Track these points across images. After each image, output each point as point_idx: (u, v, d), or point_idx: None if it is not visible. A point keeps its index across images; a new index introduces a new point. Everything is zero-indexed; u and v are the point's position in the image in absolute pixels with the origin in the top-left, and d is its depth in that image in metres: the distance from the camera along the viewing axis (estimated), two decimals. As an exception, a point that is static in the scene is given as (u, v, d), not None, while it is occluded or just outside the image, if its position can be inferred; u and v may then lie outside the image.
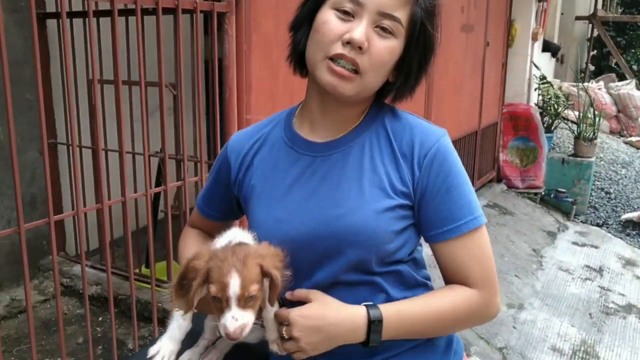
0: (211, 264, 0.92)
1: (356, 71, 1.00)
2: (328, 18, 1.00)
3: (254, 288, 0.90)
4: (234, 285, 0.89)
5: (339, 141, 1.09)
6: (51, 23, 2.61)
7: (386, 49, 1.00)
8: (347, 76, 0.99)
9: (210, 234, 1.33)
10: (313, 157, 1.10)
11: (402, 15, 0.99)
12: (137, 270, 2.58)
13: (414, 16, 1.00)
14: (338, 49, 0.98)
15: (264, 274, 0.93)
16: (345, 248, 1.04)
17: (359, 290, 1.07)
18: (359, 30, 0.97)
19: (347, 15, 0.99)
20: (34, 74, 2.61)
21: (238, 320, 0.89)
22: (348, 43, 0.97)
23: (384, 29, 0.99)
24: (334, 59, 0.99)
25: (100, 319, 2.51)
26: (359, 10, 0.98)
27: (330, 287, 1.06)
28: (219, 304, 0.91)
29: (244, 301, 0.90)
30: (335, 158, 1.09)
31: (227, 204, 1.25)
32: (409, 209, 1.07)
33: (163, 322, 2.30)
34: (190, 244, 1.27)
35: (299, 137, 1.12)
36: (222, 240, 1.03)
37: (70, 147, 2.68)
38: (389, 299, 1.07)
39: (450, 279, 1.09)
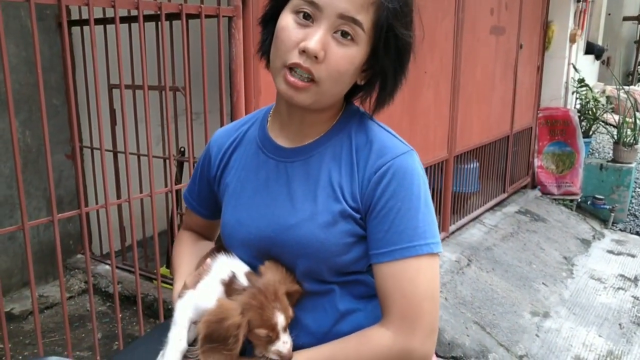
0: (250, 315, 0.98)
1: (312, 79, 0.95)
2: (286, 24, 0.96)
3: (290, 312, 1.02)
4: (281, 322, 0.99)
5: (304, 149, 1.08)
6: (75, 30, 2.74)
7: (344, 58, 0.95)
8: (301, 87, 0.96)
9: (205, 235, 1.35)
10: (278, 162, 1.09)
11: (364, 19, 0.94)
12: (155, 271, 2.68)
13: (378, 20, 0.95)
14: (294, 57, 0.94)
15: (290, 295, 1.04)
16: (296, 258, 1.04)
17: (316, 298, 1.07)
18: (315, 39, 0.92)
19: (306, 19, 0.94)
20: (60, 80, 2.79)
21: (287, 343, 1.00)
22: (304, 52, 0.93)
23: (343, 34, 0.94)
24: (291, 67, 0.95)
25: (119, 316, 2.63)
26: (318, 14, 0.93)
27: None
28: (268, 338, 1.00)
29: (286, 326, 1.01)
30: (297, 166, 1.07)
31: (213, 200, 1.25)
32: (363, 223, 1.04)
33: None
34: (183, 252, 1.28)
35: (269, 139, 1.11)
36: (218, 271, 1.08)
37: (93, 150, 2.82)
38: (341, 312, 1.07)
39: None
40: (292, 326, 1.07)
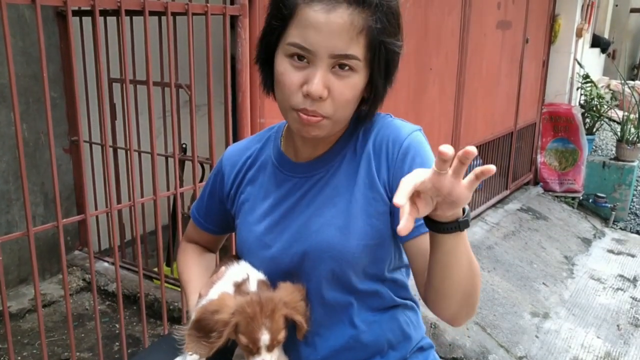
0: (239, 319, 0.97)
1: (323, 115, 0.98)
2: (284, 69, 0.97)
3: (281, 336, 0.99)
4: (265, 339, 0.97)
5: (321, 161, 1.10)
6: (73, 20, 2.66)
7: (347, 88, 0.97)
8: (314, 122, 0.98)
9: (209, 248, 1.37)
10: (298, 179, 1.11)
11: (357, 49, 0.95)
12: (155, 269, 2.65)
13: (371, 43, 0.96)
14: (300, 101, 0.97)
15: (290, 319, 1.02)
16: (319, 264, 1.05)
17: (334, 313, 1.09)
18: (316, 82, 0.94)
19: (301, 60, 0.96)
20: (57, 72, 2.72)
21: None
22: (308, 95, 0.95)
23: (341, 66, 0.96)
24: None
25: (122, 316, 2.59)
26: (312, 57, 0.95)
27: (316, 307, 1.08)
28: (249, 349, 0.99)
29: (272, 346, 0.99)
30: (316, 178, 1.10)
31: (223, 217, 1.26)
32: (386, 217, 1.06)
33: (174, 320, 2.40)
34: (191, 265, 1.29)
35: (285, 158, 1.14)
36: (233, 274, 1.08)
37: (92, 145, 2.77)
38: (358, 325, 1.10)
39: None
40: (310, 340, 1.10)
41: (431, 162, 0.99)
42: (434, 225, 0.88)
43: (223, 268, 1.13)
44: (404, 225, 0.77)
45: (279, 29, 0.98)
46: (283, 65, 0.98)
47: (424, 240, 0.99)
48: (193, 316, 1.01)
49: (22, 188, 1.70)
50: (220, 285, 1.08)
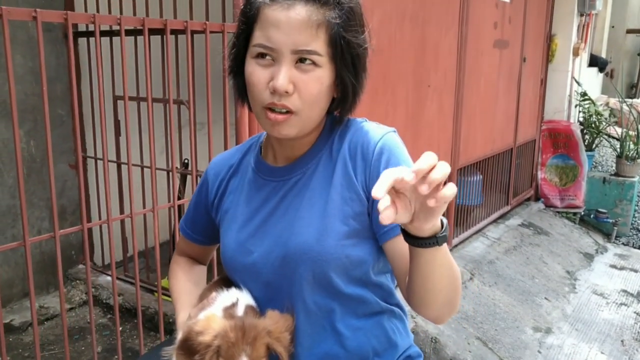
0: (221, 343, 0.97)
1: (290, 111, 1.01)
2: (252, 69, 1.02)
3: None
4: None
5: (297, 164, 1.12)
6: (81, 41, 2.75)
7: (312, 82, 1.00)
8: (281, 120, 1.01)
9: (199, 260, 1.38)
10: (276, 183, 1.13)
11: (318, 44, 0.99)
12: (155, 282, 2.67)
13: (331, 39, 1.00)
14: (268, 98, 1.00)
15: (271, 350, 1.00)
16: (299, 266, 1.06)
17: (316, 319, 1.09)
18: (280, 77, 0.98)
19: (266, 59, 1.00)
20: (65, 90, 2.80)
21: None
22: (275, 91, 0.99)
23: (304, 60, 0.99)
24: (269, 107, 1.01)
25: (120, 328, 2.61)
26: (275, 54, 0.99)
27: (298, 314, 1.08)
28: None
29: None
30: (293, 181, 1.12)
31: (209, 227, 1.28)
32: (363, 217, 1.06)
33: (172, 333, 2.41)
34: (181, 279, 1.30)
35: (264, 164, 1.16)
36: (223, 300, 1.08)
37: (97, 160, 2.82)
38: (341, 332, 1.10)
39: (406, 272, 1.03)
40: (293, 349, 1.07)
41: (406, 162, 1.04)
42: (413, 240, 0.89)
43: (214, 294, 1.12)
44: (385, 214, 0.76)
45: (245, 32, 1.03)
46: (251, 66, 1.02)
47: (403, 241, 0.99)
48: (180, 335, 1.02)
49: (19, 197, 1.73)
50: (210, 311, 1.07)
